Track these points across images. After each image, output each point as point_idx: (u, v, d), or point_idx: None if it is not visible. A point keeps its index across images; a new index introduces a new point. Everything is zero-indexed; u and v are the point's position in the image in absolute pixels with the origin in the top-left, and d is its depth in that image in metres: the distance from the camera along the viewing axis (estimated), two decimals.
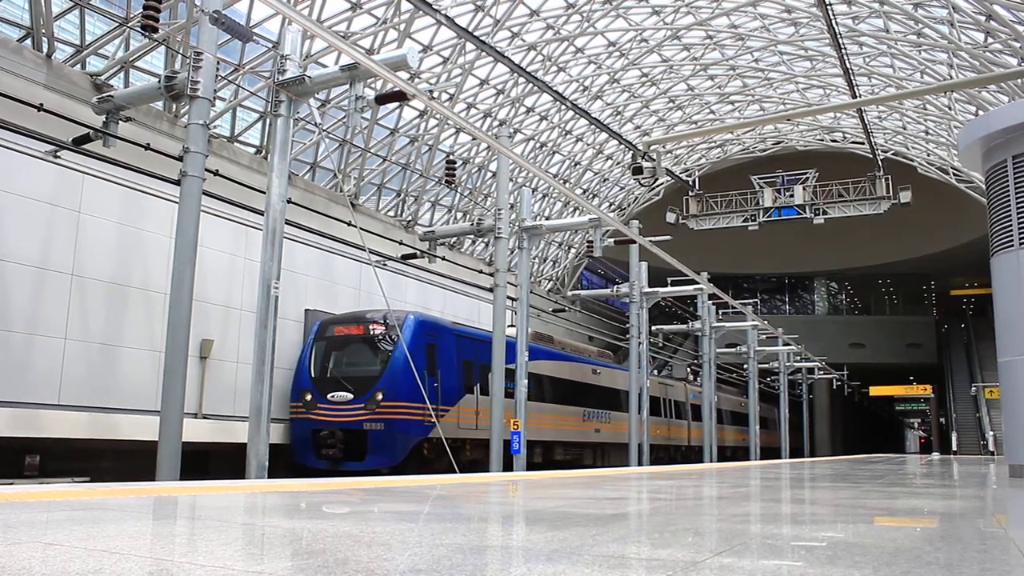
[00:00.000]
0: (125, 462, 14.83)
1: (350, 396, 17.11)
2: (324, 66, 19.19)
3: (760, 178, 31.58)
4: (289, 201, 11.59)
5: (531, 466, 18.88)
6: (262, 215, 11.22)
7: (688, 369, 43.08)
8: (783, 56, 30.52)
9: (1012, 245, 12.65)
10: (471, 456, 18.91)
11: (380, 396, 16.79)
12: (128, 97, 12.33)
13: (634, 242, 20.96)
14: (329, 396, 17.32)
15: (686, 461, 31.53)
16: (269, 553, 3.29)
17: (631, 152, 29.60)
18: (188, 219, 10.56)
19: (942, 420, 61.15)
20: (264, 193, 11.11)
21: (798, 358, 44.14)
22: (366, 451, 16.64)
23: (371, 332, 18.08)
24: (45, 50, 15.78)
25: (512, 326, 19.41)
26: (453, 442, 17.55)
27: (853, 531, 4.69)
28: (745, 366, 37.10)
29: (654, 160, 13.84)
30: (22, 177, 14.40)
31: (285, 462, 17.37)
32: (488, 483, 9.35)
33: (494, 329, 17.32)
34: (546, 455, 22.31)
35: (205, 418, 17.29)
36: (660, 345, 38.56)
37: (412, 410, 16.82)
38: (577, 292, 31.24)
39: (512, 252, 18.63)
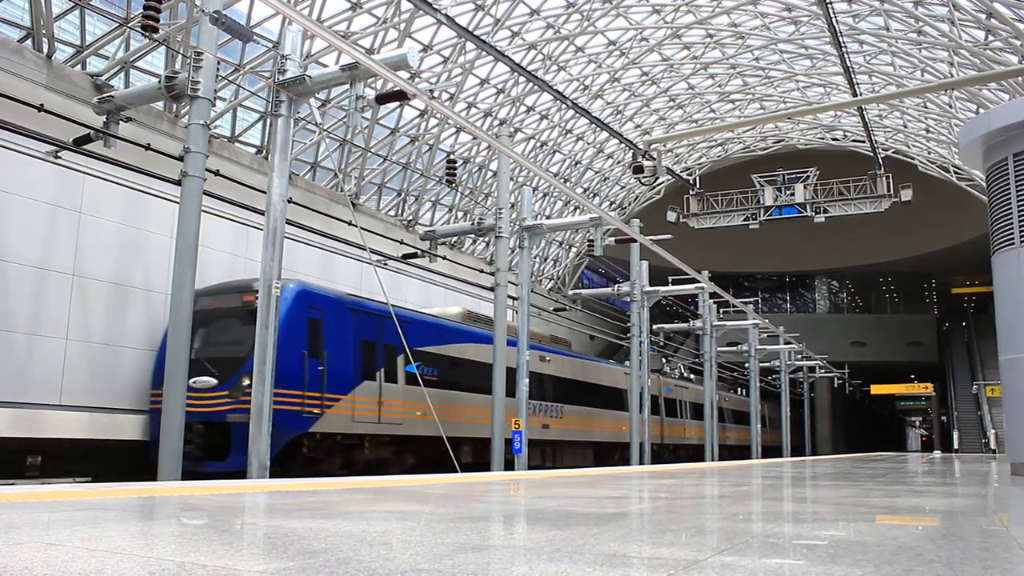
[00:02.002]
0: (127, 462, 14.83)
1: (214, 382, 14.39)
2: (324, 66, 19.20)
3: (761, 177, 31.56)
4: (290, 201, 11.60)
5: (462, 467, 16.68)
6: (263, 215, 11.23)
7: (664, 360, 40.69)
8: (783, 54, 30.50)
9: (1013, 243, 12.64)
10: (370, 455, 16.11)
11: (246, 381, 13.57)
12: (128, 97, 12.34)
13: (635, 241, 20.95)
14: (192, 382, 14.11)
15: (658, 461, 29.18)
16: (271, 552, 3.29)
17: (632, 151, 29.58)
18: (189, 219, 10.57)
19: (943, 418, 61.13)
20: (265, 193, 11.11)
21: (799, 357, 44.14)
22: (229, 448, 13.89)
23: (243, 305, 14.94)
24: (45, 50, 15.78)
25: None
26: (346, 438, 15.60)
27: (855, 529, 4.69)
28: (746, 364, 37.06)
29: (655, 159, 13.85)
30: (23, 178, 14.41)
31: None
32: (489, 482, 9.36)
33: (495, 329, 17.28)
34: (478, 455, 18.85)
35: None
36: (662, 344, 38.38)
37: (286, 399, 14.00)
38: (578, 291, 31.22)
39: (513, 251, 18.61)
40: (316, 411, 14.64)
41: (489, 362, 17.59)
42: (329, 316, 15.37)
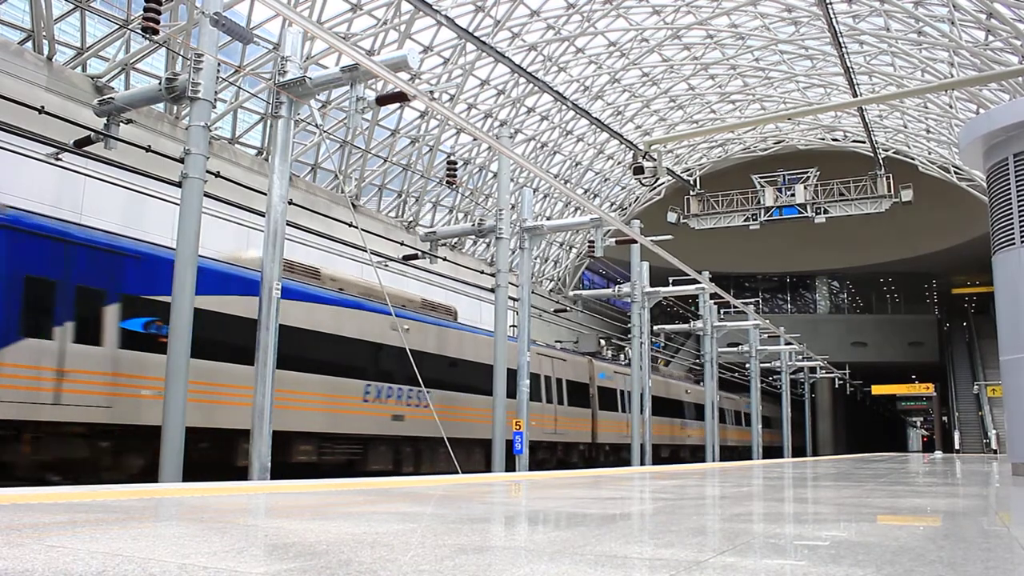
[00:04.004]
0: None
1: None
2: (325, 67, 19.18)
3: (761, 177, 31.58)
4: (290, 202, 11.59)
5: (238, 474, 12.27)
6: (263, 216, 11.23)
7: (601, 342, 33.66)
8: (784, 55, 30.51)
9: (1014, 243, 12.64)
10: (36, 452, 10.62)
11: None
12: (129, 99, 12.34)
13: (635, 242, 20.95)
14: None
15: (590, 464, 24.48)
16: (272, 554, 3.29)
17: (632, 152, 29.59)
18: (189, 221, 10.56)
19: (944, 418, 61.11)
20: (265, 195, 11.11)
21: (800, 357, 44.13)
22: None
23: None
24: (46, 53, 15.80)
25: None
26: None
27: (856, 530, 4.68)
28: (747, 365, 37.04)
29: (655, 160, 13.85)
30: (24, 179, 14.41)
31: None
32: (490, 483, 9.36)
33: (496, 331, 17.25)
34: (284, 452, 13.42)
35: None
36: (663, 345, 38.19)
37: None
38: (579, 292, 31.19)
39: (513, 252, 18.61)
40: None
41: (322, 331, 14.26)
42: None
